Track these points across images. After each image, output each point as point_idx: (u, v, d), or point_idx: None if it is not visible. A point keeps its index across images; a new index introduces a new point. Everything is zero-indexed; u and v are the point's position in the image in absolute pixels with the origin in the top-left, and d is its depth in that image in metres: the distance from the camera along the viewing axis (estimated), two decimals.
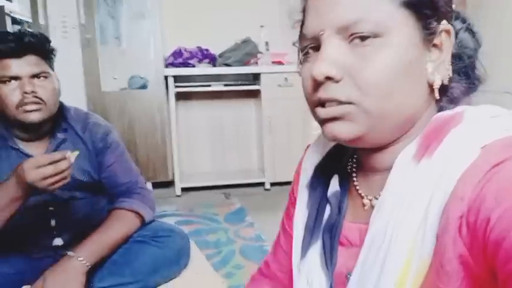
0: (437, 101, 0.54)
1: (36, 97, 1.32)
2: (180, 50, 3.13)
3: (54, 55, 1.43)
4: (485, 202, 0.41)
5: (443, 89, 0.53)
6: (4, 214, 1.24)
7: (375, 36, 0.49)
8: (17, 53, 1.30)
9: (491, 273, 0.42)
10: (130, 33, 3.03)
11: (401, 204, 0.49)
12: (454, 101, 0.55)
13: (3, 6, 3.47)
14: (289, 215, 0.74)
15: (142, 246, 1.50)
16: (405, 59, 0.49)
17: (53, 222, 1.46)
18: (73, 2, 2.90)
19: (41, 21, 2.99)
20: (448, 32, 0.51)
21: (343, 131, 0.52)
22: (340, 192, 0.62)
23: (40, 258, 1.46)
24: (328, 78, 0.50)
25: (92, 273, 1.36)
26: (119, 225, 1.48)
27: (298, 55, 0.57)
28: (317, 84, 0.51)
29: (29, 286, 1.20)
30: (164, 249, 1.52)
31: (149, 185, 2.82)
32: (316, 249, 0.62)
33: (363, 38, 0.49)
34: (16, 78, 1.31)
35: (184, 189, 3.08)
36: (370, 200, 0.58)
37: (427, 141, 0.50)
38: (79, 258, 1.33)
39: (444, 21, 0.51)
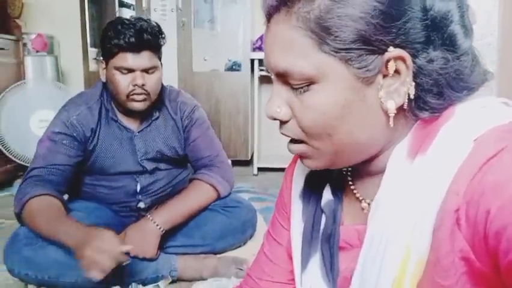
0: (419, 112, 0.51)
1: (144, 89, 1.46)
2: None
3: (164, 44, 1.54)
4: (484, 195, 0.41)
5: (419, 104, 0.50)
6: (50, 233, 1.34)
7: (310, 83, 0.49)
8: (136, 49, 1.43)
9: (493, 268, 0.42)
10: (222, 17, 3.16)
11: (398, 202, 0.49)
12: (439, 110, 0.51)
13: None
14: (274, 225, 0.74)
15: (213, 213, 1.62)
16: (339, 102, 0.49)
17: (138, 188, 1.62)
18: None
19: (144, 4, 3.26)
20: (399, 58, 0.47)
21: (310, 165, 0.56)
22: (334, 200, 0.62)
23: (126, 216, 1.64)
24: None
25: (166, 232, 1.51)
26: (195, 196, 1.59)
27: None
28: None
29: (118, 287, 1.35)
30: (232, 219, 1.63)
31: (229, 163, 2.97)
32: (316, 261, 0.61)
33: (298, 85, 0.50)
34: (131, 70, 1.45)
35: (260, 169, 3.20)
36: (368, 204, 0.57)
37: (420, 139, 0.50)
38: (154, 223, 1.47)
39: (391, 48, 0.47)
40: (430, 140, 0.48)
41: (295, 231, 0.65)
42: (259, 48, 3.20)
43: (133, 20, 1.48)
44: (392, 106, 0.49)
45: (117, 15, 3.53)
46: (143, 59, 1.45)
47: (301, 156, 0.56)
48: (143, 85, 1.45)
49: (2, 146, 2.62)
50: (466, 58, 0.50)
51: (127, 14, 3.65)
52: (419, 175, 0.48)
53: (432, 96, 0.50)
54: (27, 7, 3.44)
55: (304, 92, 0.50)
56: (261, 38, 3.22)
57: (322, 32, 0.47)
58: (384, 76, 0.49)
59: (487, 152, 0.43)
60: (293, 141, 0.55)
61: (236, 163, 3.28)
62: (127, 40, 1.41)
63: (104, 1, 3.59)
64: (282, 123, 0.54)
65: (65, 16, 3.47)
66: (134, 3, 3.29)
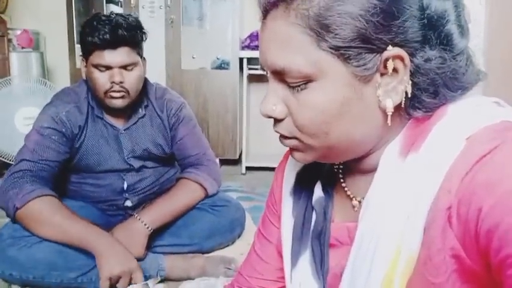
0: (413, 111, 0.52)
1: (122, 87, 1.45)
2: (257, 33, 3.20)
3: (145, 40, 1.53)
4: (476, 193, 0.41)
5: (414, 103, 0.51)
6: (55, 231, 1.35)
7: (308, 81, 0.49)
8: (111, 45, 1.41)
9: (484, 266, 0.42)
10: (211, 14, 3.15)
11: (389, 200, 0.49)
12: (433, 109, 0.51)
13: None
14: (265, 222, 0.74)
15: (201, 213, 1.61)
16: (337, 100, 0.49)
17: (125, 186, 1.60)
18: None
19: (132, 1, 3.22)
20: (397, 57, 0.48)
21: (300, 158, 0.56)
22: (324, 197, 0.62)
23: (113, 215, 1.63)
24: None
25: (153, 231, 1.50)
26: (183, 195, 1.58)
27: None
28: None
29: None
30: (220, 218, 1.63)
31: (217, 161, 2.97)
32: (306, 257, 0.61)
33: (294, 83, 0.50)
34: (108, 67, 1.43)
35: (249, 168, 3.19)
36: (359, 202, 0.58)
37: (412, 137, 0.50)
38: (142, 222, 1.46)
39: (389, 47, 0.47)
40: (423, 138, 0.49)
41: (286, 228, 0.65)
42: (248, 47, 3.19)
43: (110, 16, 1.45)
44: (390, 104, 0.49)
45: (105, 11, 3.49)
46: (120, 55, 1.43)
47: (291, 149, 0.56)
48: (121, 82, 1.44)
49: None
50: (462, 58, 0.51)
51: (115, 10, 3.61)
52: (411, 173, 0.48)
53: (428, 96, 0.50)
54: (13, 2, 3.38)
55: (301, 90, 0.50)
56: (250, 36, 3.22)
57: (321, 30, 0.47)
58: (382, 75, 0.49)
59: (479, 151, 0.43)
60: (286, 136, 0.55)
61: (224, 162, 3.27)
62: (101, 37, 1.39)
63: None
64: (277, 121, 0.54)
65: (51, 12, 3.42)
66: (122, 0, 3.25)
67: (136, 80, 1.49)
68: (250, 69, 3.17)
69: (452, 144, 0.46)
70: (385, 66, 0.48)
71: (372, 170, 0.53)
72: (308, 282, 0.60)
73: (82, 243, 1.33)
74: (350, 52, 0.47)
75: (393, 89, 0.49)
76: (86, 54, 1.46)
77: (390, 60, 0.48)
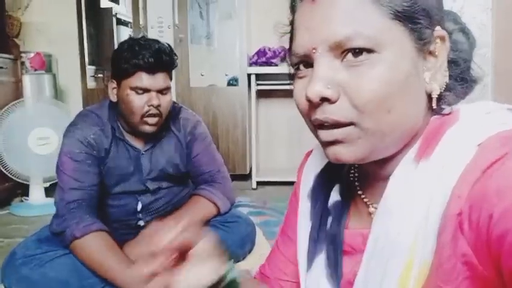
0: (442, 101, 0.53)
1: (158, 110, 1.47)
2: (264, 49, 3.24)
3: (176, 65, 1.56)
4: (487, 199, 0.41)
5: (440, 95, 0.52)
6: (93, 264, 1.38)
7: (369, 51, 0.47)
8: (153, 69, 1.44)
9: (496, 272, 0.42)
10: (218, 33, 3.20)
11: (402, 206, 0.49)
12: (451, 104, 0.53)
13: (112, 8, 3.87)
14: (289, 221, 0.73)
15: (211, 229, 1.61)
16: (401, 72, 0.47)
17: (139, 207, 1.61)
18: (169, 3, 3.14)
19: (141, 22, 3.29)
20: (442, 38, 0.50)
21: (346, 154, 0.50)
22: (341, 201, 0.61)
23: (124, 234, 1.61)
24: (324, 99, 0.48)
25: None
26: (195, 212, 1.59)
27: (289, 70, 0.56)
28: (313, 105, 0.49)
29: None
30: (231, 234, 1.63)
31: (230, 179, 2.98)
32: (321, 260, 0.61)
33: (356, 55, 0.47)
34: (146, 90, 1.45)
35: (259, 183, 3.19)
36: (375, 208, 0.56)
37: (426, 143, 0.50)
38: None
39: (438, 27, 0.49)
40: (434, 144, 0.49)
41: (302, 230, 0.65)
42: (256, 63, 3.22)
43: (146, 40, 1.49)
44: (436, 87, 0.50)
45: (114, 33, 3.57)
46: (159, 79, 1.46)
47: (336, 143, 0.50)
48: (158, 106, 1.46)
49: (0, 163, 2.62)
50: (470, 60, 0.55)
51: (124, 31, 3.69)
52: (423, 179, 0.48)
53: (457, 84, 0.53)
54: (26, 26, 3.47)
55: (362, 63, 0.47)
56: (257, 52, 3.25)
57: None
58: (425, 59, 0.50)
59: (491, 157, 0.43)
60: (331, 126, 0.49)
61: (235, 177, 3.27)
62: (146, 60, 1.42)
63: (102, 19, 3.63)
64: (328, 104, 0.49)
65: (63, 34, 3.51)
66: (131, 21, 3.32)
67: (169, 104, 1.52)
68: (258, 84, 3.19)
69: (463, 150, 0.46)
70: (429, 51, 0.50)
71: (389, 176, 0.52)
72: (322, 285, 0.60)
73: None
74: (414, 21, 0.48)
75: (438, 71, 0.50)
76: (122, 77, 1.47)
77: (438, 40, 0.50)
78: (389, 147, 0.51)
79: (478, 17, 3.01)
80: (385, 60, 0.47)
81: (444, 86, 0.51)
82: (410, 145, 0.52)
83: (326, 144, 0.51)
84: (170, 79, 1.54)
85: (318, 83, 0.48)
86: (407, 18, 0.47)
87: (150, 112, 1.46)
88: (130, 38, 1.52)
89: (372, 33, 0.46)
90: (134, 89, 1.45)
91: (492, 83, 2.85)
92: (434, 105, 0.51)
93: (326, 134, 0.50)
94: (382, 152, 0.52)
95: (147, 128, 1.48)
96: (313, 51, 0.49)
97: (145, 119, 1.46)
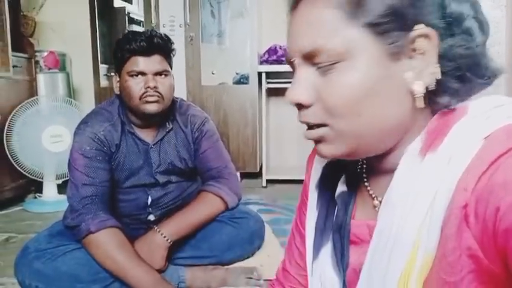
0: (439, 98, 0.52)
1: (156, 91, 1.49)
2: (275, 47, 3.24)
3: (174, 55, 1.59)
4: (494, 192, 0.41)
5: (440, 89, 0.51)
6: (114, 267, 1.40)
7: (339, 61, 0.49)
8: (147, 52, 1.47)
9: (502, 266, 0.42)
10: (229, 31, 3.21)
11: (407, 198, 0.49)
12: (460, 96, 0.52)
13: (125, 7, 3.92)
14: (300, 215, 0.74)
15: (220, 225, 1.62)
16: (371, 77, 0.49)
17: (149, 201, 1.63)
18: (181, 2, 3.16)
19: (153, 20, 3.32)
20: (426, 36, 0.49)
21: (327, 151, 0.54)
22: (348, 192, 0.62)
23: (135, 228, 1.64)
24: (298, 104, 0.53)
25: (174, 243, 1.52)
26: (203, 208, 1.60)
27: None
28: (297, 107, 0.54)
29: None
30: (239, 230, 1.64)
31: (237, 175, 2.99)
32: (327, 250, 0.62)
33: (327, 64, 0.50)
34: (142, 73, 1.48)
35: (269, 181, 3.20)
36: (380, 201, 0.57)
37: (432, 137, 0.50)
38: (162, 235, 1.49)
39: (420, 25, 0.49)
40: (441, 138, 0.49)
41: (310, 220, 0.66)
42: (267, 61, 3.23)
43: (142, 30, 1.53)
44: (419, 87, 0.50)
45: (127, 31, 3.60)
46: (154, 62, 1.48)
47: (318, 142, 0.55)
48: (155, 87, 1.48)
49: (15, 161, 2.67)
50: (483, 49, 0.52)
51: (137, 30, 3.72)
52: (429, 171, 0.48)
53: (455, 81, 0.51)
54: (40, 26, 3.53)
55: (332, 71, 0.50)
56: (268, 51, 3.26)
57: (353, 6, 0.48)
58: (411, 57, 0.50)
59: (497, 149, 0.43)
60: (312, 127, 0.54)
61: (245, 175, 3.29)
62: (138, 44, 1.45)
63: (115, 18, 3.67)
64: (304, 109, 0.53)
65: (76, 34, 3.55)
66: (143, 19, 3.35)
67: (169, 87, 1.53)
68: (268, 83, 3.20)
69: (469, 143, 0.46)
70: (413, 49, 0.49)
71: (395, 169, 0.53)
72: (328, 274, 0.61)
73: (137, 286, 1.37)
74: (382, 27, 0.48)
75: (422, 71, 0.50)
76: (120, 65, 1.51)
77: (420, 39, 0.49)
78: (375, 144, 0.53)
79: (492, 14, 2.98)
80: (354, 67, 0.49)
81: (435, 82, 0.50)
82: (406, 140, 0.53)
83: (314, 142, 0.56)
84: (170, 66, 1.56)
85: (294, 90, 0.53)
86: (375, 25, 0.48)
87: (148, 94, 1.48)
88: (127, 32, 1.55)
89: (337, 45, 0.49)
90: (131, 73, 1.48)
91: (505, 81, 2.81)
92: (418, 104, 0.50)
93: (307, 133, 0.56)
94: (370, 149, 0.54)
95: (148, 107, 1.49)
96: (292, 59, 0.54)
97: (144, 98, 1.48)
